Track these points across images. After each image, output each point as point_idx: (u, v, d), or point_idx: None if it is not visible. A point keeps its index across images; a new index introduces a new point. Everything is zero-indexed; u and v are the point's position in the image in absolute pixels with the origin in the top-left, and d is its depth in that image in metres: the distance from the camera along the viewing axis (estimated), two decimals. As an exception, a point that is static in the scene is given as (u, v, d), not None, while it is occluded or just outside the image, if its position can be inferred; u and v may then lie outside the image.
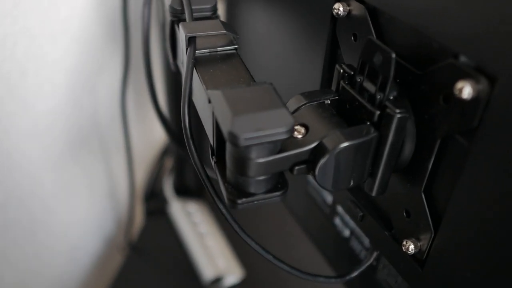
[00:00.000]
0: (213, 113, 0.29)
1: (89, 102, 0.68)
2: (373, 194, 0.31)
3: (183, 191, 0.89)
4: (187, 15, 0.35)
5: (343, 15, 0.33)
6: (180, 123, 0.31)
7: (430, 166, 0.29)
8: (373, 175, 0.30)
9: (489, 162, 0.24)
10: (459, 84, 0.24)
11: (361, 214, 0.36)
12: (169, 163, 0.94)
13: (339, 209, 0.46)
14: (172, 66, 0.41)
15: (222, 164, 0.30)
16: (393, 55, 0.27)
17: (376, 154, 0.29)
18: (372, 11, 0.31)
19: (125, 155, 0.78)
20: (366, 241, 0.43)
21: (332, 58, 0.36)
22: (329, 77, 0.37)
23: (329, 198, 0.48)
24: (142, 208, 0.89)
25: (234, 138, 0.25)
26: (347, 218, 0.45)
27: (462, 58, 0.25)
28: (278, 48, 0.42)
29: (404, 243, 0.31)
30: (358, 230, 0.44)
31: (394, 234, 0.34)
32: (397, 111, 0.27)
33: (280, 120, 0.25)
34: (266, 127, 0.25)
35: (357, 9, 0.32)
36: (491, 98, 0.23)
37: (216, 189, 0.31)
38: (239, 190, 0.28)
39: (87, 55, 0.65)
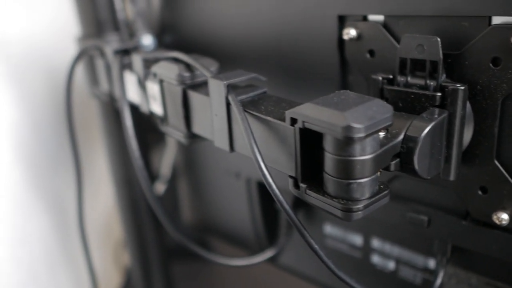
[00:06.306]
0: (295, 135, 0.28)
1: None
2: (452, 178, 0.31)
3: None
4: (205, 72, 0.35)
5: (353, 38, 0.36)
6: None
7: (496, 132, 0.31)
8: (448, 158, 0.31)
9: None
10: (515, 37, 0.28)
11: (427, 219, 0.36)
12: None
13: (375, 243, 0.45)
14: (186, 140, 0.38)
15: (316, 186, 0.29)
16: (438, 38, 0.30)
17: (448, 135, 0.30)
18: (384, 24, 0.34)
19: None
20: (420, 261, 0.42)
21: (344, 82, 0.38)
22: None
23: (358, 240, 0.47)
24: None
25: (353, 131, 0.24)
26: (387, 248, 0.44)
27: (498, 20, 0.29)
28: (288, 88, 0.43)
29: (495, 217, 0.32)
30: (405, 254, 0.43)
31: (472, 221, 0.34)
32: (458, 85, 0.30)
33: (381, 108, 0.26)
34: (375, 115, 0.25)
35: (368, 28, 0.35)
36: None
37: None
38: (349, 200, 0.27)
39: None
